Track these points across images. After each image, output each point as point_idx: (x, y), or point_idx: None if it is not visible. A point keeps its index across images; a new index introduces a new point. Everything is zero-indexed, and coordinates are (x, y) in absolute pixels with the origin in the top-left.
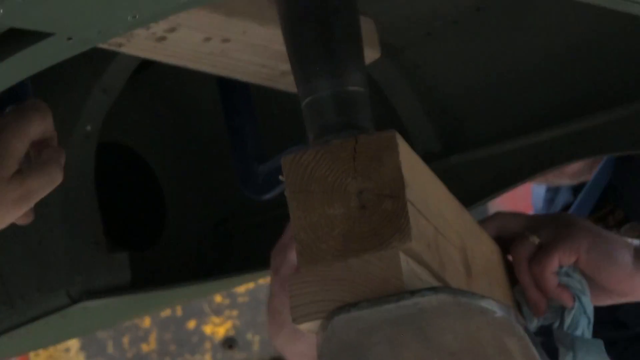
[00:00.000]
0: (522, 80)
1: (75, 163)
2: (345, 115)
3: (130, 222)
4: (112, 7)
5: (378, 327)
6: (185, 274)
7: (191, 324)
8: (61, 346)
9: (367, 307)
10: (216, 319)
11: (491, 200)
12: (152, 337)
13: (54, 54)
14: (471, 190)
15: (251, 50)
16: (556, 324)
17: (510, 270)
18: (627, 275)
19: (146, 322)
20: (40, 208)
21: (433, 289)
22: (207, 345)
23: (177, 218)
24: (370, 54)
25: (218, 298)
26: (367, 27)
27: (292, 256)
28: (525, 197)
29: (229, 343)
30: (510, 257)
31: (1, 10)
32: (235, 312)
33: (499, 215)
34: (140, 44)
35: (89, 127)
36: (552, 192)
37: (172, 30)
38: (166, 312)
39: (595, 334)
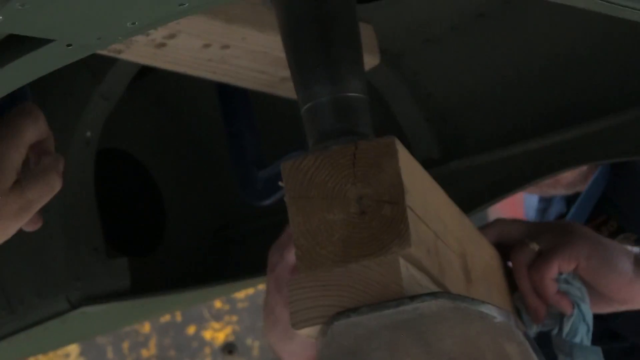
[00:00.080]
0: (522, 86)
1: (75, 169)
2: (345, 122)
3: (129, 228)
4: (112, 13)
5: (378, 332)
6: (185, 279)
7: (191, 330)
8: (61, 351)
9: (367, 312)
10: (216, 325)
11: (490, 206)
12: (152, 343)
13: (54, 60)
14: (470, 196)
15: (251, 57)
16: (555, 331)
17: (510, 277)
18: (627, 282)
19: (146, 327)
20: None
21: (433, 294)
22: (207, 350)
23: (177, 224)
24: (370, 60)
25: (218, 303)
26: (367, 34)
27: (289, 256)
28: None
29: (228, 348)
30: (510, 264)
31: (1, 17)
32: (235, 318)
33: (499, 221)
34: (139, 51)
35: (88, 134)
36: (545, 202)
37: (171, 36)
38: (166, 318)
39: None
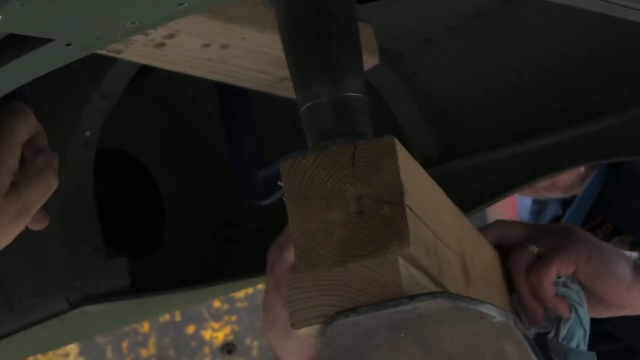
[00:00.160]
0: (521, 86)
1: (74, 169)
2: (344, 121)
3: (129, 228)
4: (111, 13)
5: (377, 332)
6: (184, 279)
7: (190, 329)
8: (60, 351)
9: (366, 312)
10: (215, 324)
11: (490, 206)
12: (151, 342)
13: (53, 59)
14: (470, 196)
15: (250, 57)
16: (551, 335)
17: (509, 277)
18: (625, 287)
19: (145, 327)
20: None
21: (432, 294)
22: (206, 350)
23: (176, 223)
24: (369, 60)
25: (217, 303)
26: (366, 33)
27: (288, 255)
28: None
29: (227, 348)
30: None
31: (0, 17)
32: (234, 317)
33: (499, 223)
34: (139, 50)
35: (88, 133)
36: (539, 204)
37: (171, 36)
38: (165, 317)
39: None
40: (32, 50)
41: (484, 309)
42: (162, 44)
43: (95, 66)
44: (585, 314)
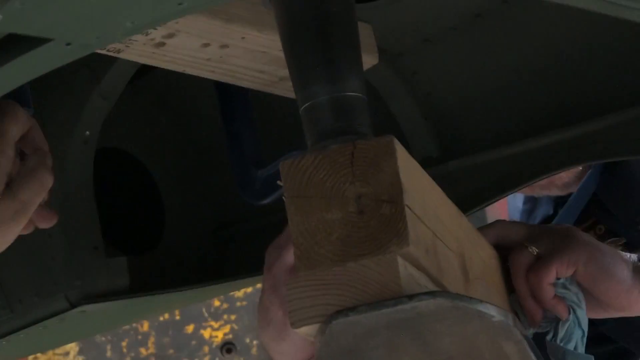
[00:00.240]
0: (520, 86)
1: (74, 168)
2: (344, 121)
3: (129, 227)
4: (111, 13)
5: (376, 331)
6: (184, 278)
7: (189, 328)
8: (60, 350)
9: (366, 311)
10: (214, 323)
11: (489, 205)
12: (151, 341)
13: (53, 59)
14: (469, 195)
15: (250, 56)
16: (550, 336)
17: (508, 277)
18: (625, 290)
19: (145, 326)
20: None
21: (431, 293)
22: (206, 349)
23: (176, 223)
24: (369, 60)
25: (216, 302)
26: (365, 33)
27: (287, 256)
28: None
29: (227, 347)
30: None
31: (1, 16)
32: (233, 317)
33: (498, 223)
34: (139, 50)
35: (87, 133)
36: (531, 203)
37: (170, 36)
38: (165, 316)
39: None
40: (32, 50)
41: (483, 308)
42: (161, 44)
43: (95, 66)
44: (584, 316)
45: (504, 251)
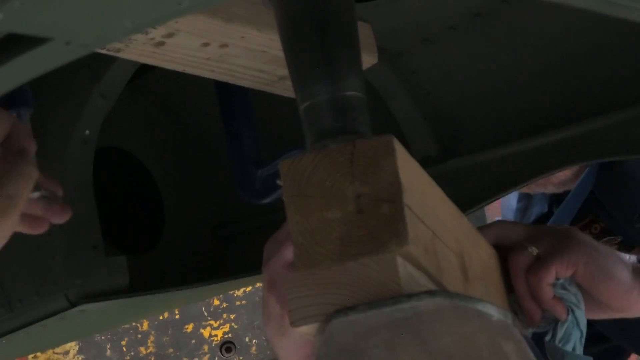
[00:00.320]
0: (519, 85)
1: (74, 167)
2: (343, 120)
3: (128, 226)
4: (111, 12)
5: (375, 330)
6: (183, 277)
7: (189, 327)
8: (60, 349)
9: (365, 310)
10: (214, 322)
11: (488, 204)
12: (150, 340)
13: (53, 58)
14: (468, 194)
15: (249, 56)
16: (548, 337)
17: (508, 278)
18: (624, 291)
19: (144, 325)
20: None
21: (430, 293)
22: (205, 348)
23: (175, 222)
24: (368, 59)
25: (216, 301)
26: (365, 33)
27: (285, 251)
28: None
29: (226, 346)
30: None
31: (1, 16)
32: (233, 316)
33: (498, 223)
34: (138, 49)
35: (87, 132)
36: (525, 201)
37: (170, 35)
38: (164, 315)
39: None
40: (32, 49)
41: (483, 307)
42: (161, 43)
43: (95, 65)
44: (583, 316)
45: (504, 251)
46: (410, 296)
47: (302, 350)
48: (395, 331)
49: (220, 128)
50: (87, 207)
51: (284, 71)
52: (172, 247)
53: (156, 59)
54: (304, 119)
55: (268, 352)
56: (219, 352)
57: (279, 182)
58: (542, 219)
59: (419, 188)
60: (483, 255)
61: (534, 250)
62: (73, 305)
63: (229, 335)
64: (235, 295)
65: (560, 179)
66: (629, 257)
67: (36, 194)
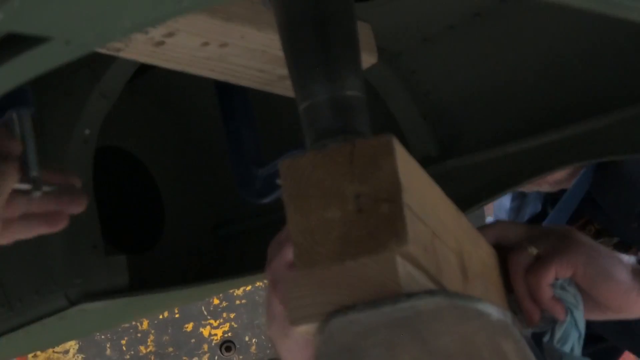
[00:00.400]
0: (518, 85)
1: (74, 167)
2: (343, 120)
3: (128, 226)
4: (111, 11)
5: (375, 329)
6: (183, 276)
7: (189, 327)
8: (59, 348)
9: (364, 309)
10: (214, 322)
11: (487, 204)
12: (150, 339)
13: (53, 58)
14: (468, 194)
15: (249, 55)
16: (547, 337)
17: (507, 276)
18: (623, 292)
19: (144, 324)
20: None
21: (430, 292)
22: (205, 347)
23: (175, 221)
24: (368, 59)
25: (215, 300)
26: (365, 32)
27: (286, 252)
28: None
29: (226, 345)
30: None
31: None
32: (232, 315)
33: (498, 223)
34: (138, 49)
35: (87, 131)
36: (519, 201)
37: (170, 35)
38: (164, 315)
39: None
40: (32, 49)
41: (482, 307)
42: (161, 43)
43: (94, 64)
44: (581, 317)
45: (503, 251)
46: (409, 296)
47: (305, 351)
48: (395, 331)
49: (220, 128)
50: (87, 207)
51: (284, 70)
52: (172, 246)
53: (156, 58)
54: (304, 118)
55: (268, 351)
56: (219, 351)
57: (278, 181)
58: (536, 218)
59: (419, 188)
60: (482, 255)
61: (533, 251)
62: (73, 304)
63: (229, 334)
64: (235, 294)
65: (555, 179)
66: (629, 258)
67: (37, 193)
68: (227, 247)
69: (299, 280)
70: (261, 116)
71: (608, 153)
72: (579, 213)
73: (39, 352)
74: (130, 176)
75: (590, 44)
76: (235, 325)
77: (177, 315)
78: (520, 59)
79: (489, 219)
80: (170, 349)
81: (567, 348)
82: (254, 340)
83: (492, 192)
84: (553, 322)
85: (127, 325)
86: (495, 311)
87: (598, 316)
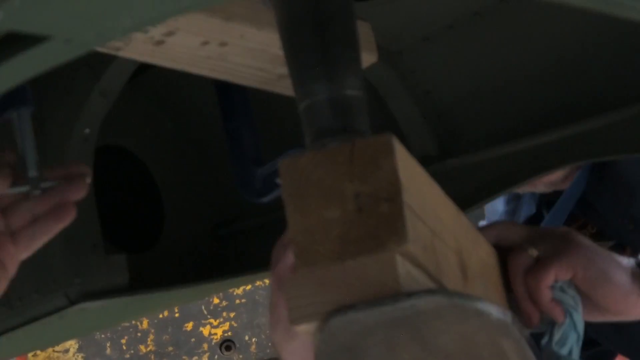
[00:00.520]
0: (518, 84)
1: None
2: (342, 119)
3: (128, 225)
4: (110, 10)
5: (375, 329)
6: (183, 275)
7: (189, 326)
8: (59, 347)
9: (364, 309)
10: (214, 321)
11: (487, 203)
12: (150, 339)
13: (52, 57)
14: (468, 193)
15: (249, 54)
16: (545, 340)
17: (507, 278)
18: (622, 294)
19: (144, 323)
20: None
21: (429, 291)
22: (205, 346)
23: (175, 220)
24: (367, 58)
25: (216, 300)
26: (364, 31)
27: (290, 254)
28: None
29: (226, 344)
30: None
31: (1, 14)
32: (232, 314)
33: (498, 224)
34: (138, 48)
35: (87, 130)
36: (514, 204)
37: (170, 34)
38: (164, 314)
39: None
40: (31, 48)
41: (482, 306)
42: (161, 42)
43: (94, 63)
44: (580, 319)
45: (503, 252)
46: (409, 295)
47: (310, 354)
48: (395, 330)
49: (220, 127)
50: (87, 206)
51: (284, 69)
52: (171, 245)
53: (156, 57)
54: (304, 117)
55: (268, 351)
56: (219, 351)
57: (278, 181)
58: (531, 220)
59: (418, 187)
60: (482, 254)
61: (533, 252)
62: (73, 303)
63: (229, 333)
64: (235, 293)
65: (551, 180)
66: (628, 261)
67: (36, 192)
68: (227, 246)
69: (299, 279)
70: (261, 116)
71: (608, 153)
72: (575, 215)
73: (38, 351)
74: (130, 175)
75: (590, 43)
76: (235, 325)
77: (177, 315)
78: (520, 59)
79: (482, 223)
80: (170, 348)
81: (565, 350)
82: (253, 339)
83: (492, 191)
84: (552, 324)
85: (127, 324)
86: (495, 310)
87: (597, 318)
